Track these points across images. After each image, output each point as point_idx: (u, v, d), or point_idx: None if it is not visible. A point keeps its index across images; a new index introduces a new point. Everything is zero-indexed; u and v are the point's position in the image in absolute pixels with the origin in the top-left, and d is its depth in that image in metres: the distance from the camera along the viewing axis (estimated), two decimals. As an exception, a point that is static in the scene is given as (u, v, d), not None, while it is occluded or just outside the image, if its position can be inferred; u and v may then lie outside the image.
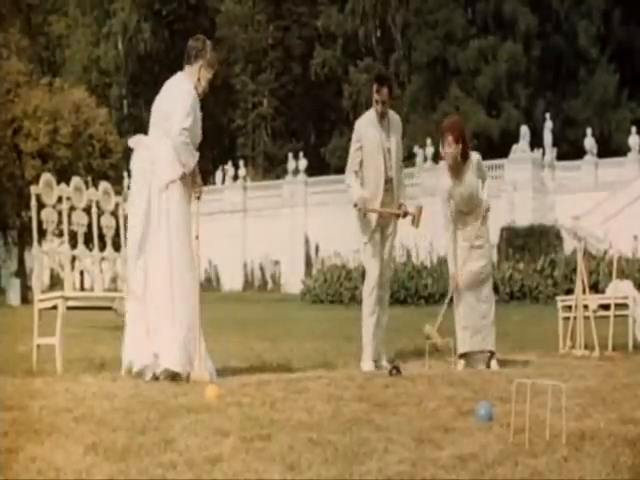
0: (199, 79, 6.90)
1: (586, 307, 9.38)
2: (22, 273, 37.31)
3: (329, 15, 60.76)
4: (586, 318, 9.27)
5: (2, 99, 36.10)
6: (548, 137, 41.53)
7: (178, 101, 6.75)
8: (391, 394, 5.88)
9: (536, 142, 40.88)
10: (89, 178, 24.16)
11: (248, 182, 49.76)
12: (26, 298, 32.84)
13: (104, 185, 8.48)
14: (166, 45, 61.50)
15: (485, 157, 8.76)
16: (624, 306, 9.89)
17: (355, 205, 7.85)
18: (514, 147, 40.90)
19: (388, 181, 7.90)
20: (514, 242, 33.34)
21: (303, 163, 47.20)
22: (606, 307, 9.83)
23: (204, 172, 7.40)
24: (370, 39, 61.14)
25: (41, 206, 7.77)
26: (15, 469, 3.62)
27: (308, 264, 41.03)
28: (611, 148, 44.12)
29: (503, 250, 32.23)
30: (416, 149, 44.09)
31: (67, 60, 63.74)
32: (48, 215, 7.82)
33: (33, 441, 4.13)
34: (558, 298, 10.28)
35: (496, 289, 18.36)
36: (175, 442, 4.11)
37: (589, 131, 41.14)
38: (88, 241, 8.03)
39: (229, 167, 50.29)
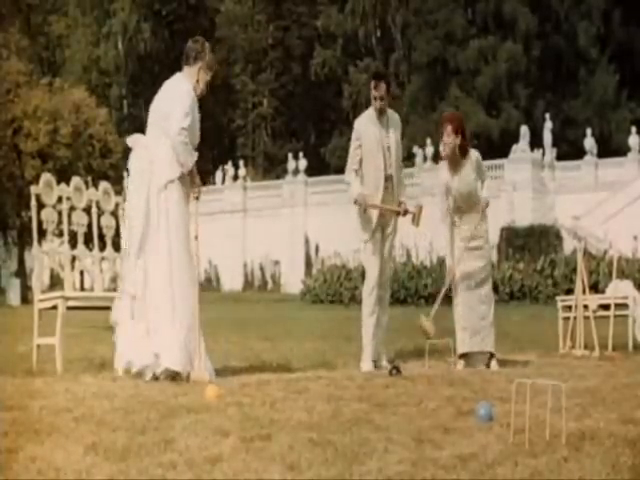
0: (198, 81, 6.92)
1: (586, 307, 9.38)
2: (22, 273, 37.30)
3: (329, 15, 60.75)
4: (586, 318, 9.27)
5: (2, 99, 36.10)
6: (548, 137, 41.53)
7: (177, 101, 6.76)
8: (391, 394, 5.88)
9: (536, 142, 40.88)
10: (89, 178, 24.12)
11: (248, 182, 49.75)
12: (26, 298, 32.83)
13: (104, 185, 8.48)
14: (166, 45, 61.47)
15: (485, 157, 8.75)
16: (624, 306, 9.89)
17: (355, 201, 7.85)
18: (514, 147, 40.90)
19: (388, 178, 7.89)
20: (514, 242, 33.34)
21: (303, 163, 47.20)
22: (606, 307, 9.83)
23: (204, 172, 7.41)
24: (370, 39, 61.12)
25: (41, 206, 7.77)
26: (15, 469, 3.62)
27: (308, 264, 41.03)
28: (611, 148, 44.13)
29: (503, 250, 32.23)
30: (416, 149, 44.08)
31: (67, 60, 63.71)
32: (48, 215, 7.82)
33: (33, 441, 4.13)
34: (558, 298, 10.28)
35: (496, 289, 18.39)
36: (175, 442, 4.11)
37: (589, 131, 41.14)
38: (88, 241, 8.04)
39: (229, 167, 50.28)
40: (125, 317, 6.73)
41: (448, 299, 8.12)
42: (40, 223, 7.73)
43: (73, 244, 7.93)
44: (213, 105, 52.09)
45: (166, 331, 6.56)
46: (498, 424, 4.57)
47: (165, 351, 6.52)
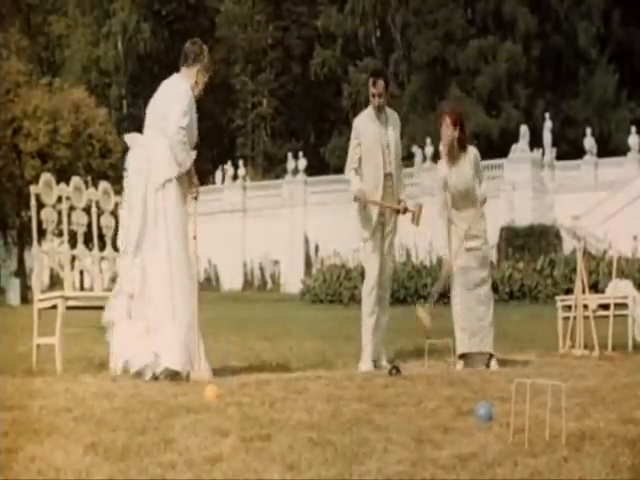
0: (196, 82, 6.93)
1: (586, 307, 9.37)
2: (22, 273, 37.32)
3: (329, 15, 60.72)
4: (586, 318, 9.26)
5: (2, 99, 36.12)
6: (548, 137, 41.53)
7: (175, 101, 6.77)
8: (391, 394, 5.87)
9: (536, 142, 40.89)
10: (89, 178, 24.15)
11: (247, 182, 49.75)
12: (26, 298, 32.84)
13: (104, 185, 8.48)
14: (166, 45, 61.43)
15: (485, 157, 8.77)
16: (624, 306, 9.89)
17: (355, 198, 7.84)
18: (514, 147, 40.91)
19: (387, 176, 7.87)
20: (514, 242, 33.35)
21: (303, 163, 47.19)
22: (606, 307, 9.83)
23: (203, 172, 7.42)
24: (370, 39, 61.10)
25: (41, 206, 7.78)
26: (15, 469, 3.62)
27: (308, 264, 41.03)
28: (611, 148, 44.14)
29: (503, 250, 32.23)
30: (415, 149, 44.07)
31: (67, 60, 63.68)
32: (48, 215, 7.82)
33: (33, 441, 4.13)
34: (558, 298, 10.28)
35: (496, 289, 18.40)
36: (175, 442, 4.11)
37: (589, 131, 41.16)
38: (88, 241, 8.04)
39: (229, 167, 50.27)
40: (122, 316, 6.71)
41: (448, 299, 8.12)
42: (40, 223, 7.73)
43: (73, 244, 7.93)
44: (212, 105, 52.07)
45: (166, 330, 6.55)
46: (498, 424, 4.57)
47: (165, 350, 6.52)
